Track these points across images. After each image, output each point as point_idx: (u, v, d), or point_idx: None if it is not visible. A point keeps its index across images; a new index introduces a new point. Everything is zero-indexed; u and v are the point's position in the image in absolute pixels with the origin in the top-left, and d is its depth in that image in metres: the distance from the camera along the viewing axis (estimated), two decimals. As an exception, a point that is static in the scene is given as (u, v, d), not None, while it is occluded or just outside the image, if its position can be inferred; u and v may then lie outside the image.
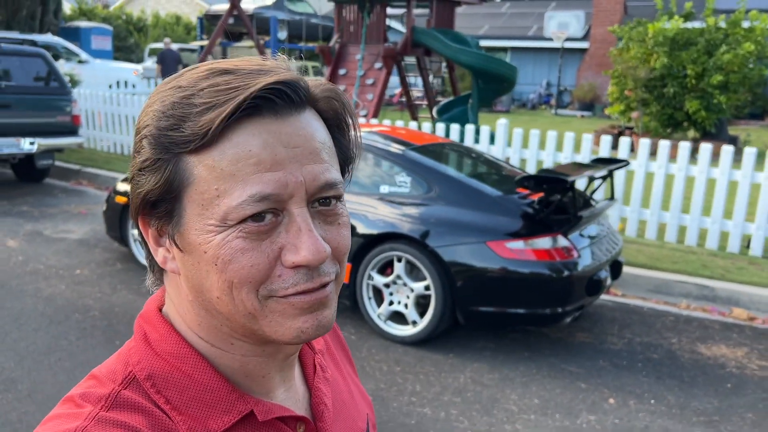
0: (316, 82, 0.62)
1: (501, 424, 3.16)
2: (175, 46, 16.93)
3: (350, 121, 0.64)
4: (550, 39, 18.81)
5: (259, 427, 0.62)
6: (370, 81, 10.36)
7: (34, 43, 13.50)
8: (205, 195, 0.56)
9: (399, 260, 3.97)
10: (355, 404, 0.78)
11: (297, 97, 0.57)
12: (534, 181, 3.74)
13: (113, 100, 9.98)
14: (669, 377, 3.73)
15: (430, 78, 14.05)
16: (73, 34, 18.02)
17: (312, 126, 0.59)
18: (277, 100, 0.56)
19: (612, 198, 4.53)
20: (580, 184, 5.38)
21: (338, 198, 0.61)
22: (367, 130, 4.79)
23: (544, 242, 3.80)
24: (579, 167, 4.16)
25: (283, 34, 18.59)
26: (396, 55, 10.29)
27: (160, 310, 0.65)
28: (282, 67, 0.58)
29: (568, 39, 18.47)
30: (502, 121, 6.61)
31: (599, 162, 4.69)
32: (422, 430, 3.08)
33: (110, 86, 14.43)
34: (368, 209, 4.12)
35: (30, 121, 7.65)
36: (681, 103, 10.85)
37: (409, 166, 4.21)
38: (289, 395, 0.67)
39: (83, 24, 18.25)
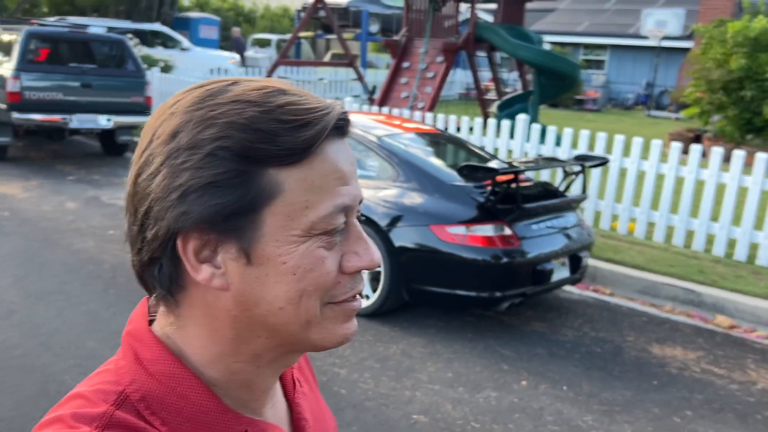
0: None
1: (403, 390, 3.43)
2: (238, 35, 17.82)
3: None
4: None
5: None
6: (430, 74, 10.61)
7: (141, 32, 14.80)
8: (293, 207, 0.58)
9: (356, 238, 4.29)
10: (326, 421, 0.79)
11: (348, 123, 0.63)
12: (468, 170, 3.93)
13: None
14: (598, 369, 3.82)
15: (507, 73, 14.03)
16: (183, 24, 19.53)
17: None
18: (344, 123, 0.62)
19: (584, 193, 4.60)
20: (539, 176, 5.33)
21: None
22: (358, 115, 5.13)
23: (485, 229, 3.99)
24: (536, 162, 4.29)
25: (375, 28, 19.13)
26: (457, 50, 10.46)
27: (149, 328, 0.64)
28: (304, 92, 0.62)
29: (668, 38, 17.65)
30: (521, 117, 6.69)
31: (580, 159, 4.76)
32: (328, 386, 3.42)
33: (210, 72, 15.56)
34: (338, 190, 4.47)
35: (107, 100, 8.60)
36: (760, 107, 10.23)
37: (380, 152, 4.51)
38: (274, 411, 0.69)
39: (193, 15, 19.71)
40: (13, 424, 2.94)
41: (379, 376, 3.55)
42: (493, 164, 4.08)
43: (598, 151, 6.30)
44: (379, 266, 3.96)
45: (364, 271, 0.62)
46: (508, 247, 3.99)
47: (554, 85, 10.33)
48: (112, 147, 9.45)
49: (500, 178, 4.02)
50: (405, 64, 11.10)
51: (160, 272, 0.60)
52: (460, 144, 5.11)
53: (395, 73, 11.11)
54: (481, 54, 12.42)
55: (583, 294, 5.10)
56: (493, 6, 13.26)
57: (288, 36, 20.99)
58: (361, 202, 0.63)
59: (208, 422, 0.60)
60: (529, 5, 12.65)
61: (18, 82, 7.87)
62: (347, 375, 3.55)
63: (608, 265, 5.41)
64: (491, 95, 13.48)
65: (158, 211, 0.58)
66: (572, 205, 4.56)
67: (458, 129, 7.30)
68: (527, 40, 10.44)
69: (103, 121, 8.55)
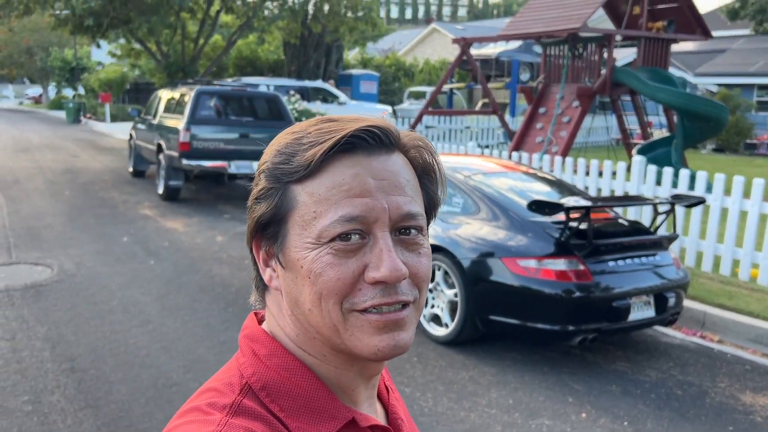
0: (408, 133, 0.72)
1: (459, 410, 3.62)
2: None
3: (438, 169, 0.74)
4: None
5: None
6: (566, 119, 10.61)
7: (304, 88, 16.33)
8: (305, 217, 0.66)
9: (438, 269, 4.57)
10: (413, 424, 0.84)
11: (387, 140, 0.67)
12: (536, 205, 4.07)
13: None
14: (671, 410, 3.71)
15: (655, 117, 13.49)
16: (346, 80, 21.15)
17: (398, 165, 0.68)
18: (369, 140, 0.66)
19: (674, 232, 4.50)
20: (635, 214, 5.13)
21: (419, 229, 0.69)
22: (456, 157, 5.45)
23: (557, 263, 4.09)
24: (617, 199, 4.31)
25: (525, 76, 19.30)
26: (593, 94, 10.39)
27: (261, 327, 0.73)
28: (380, 119, 0.69)
29: None
30: (637, 158, 6.58)
31: (675, 198, 4.68)
32: (390, 401, 3.70)
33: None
34: (426, 224, 4.81)
35: (261, 148, 9.62)
36: None
37: (465, 189, 4.79)
38: (371, 410, 0.75)
39: (355, 72, 21.28)
40: (123, 406, 3.57)
41: (440, 397, 3.77)
42: (570, 201, 4.18)
43: (735, 195, 5.94)
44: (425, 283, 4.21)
45: (405, 283, 0.66)
46: (580, 281, 4.04)
47: (698, 128, 9.85)
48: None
49: (573, 214, 4.11)
50: (541, 110, 11.20)
51: (257, 275, 0.74)
52: (551, 182, 5.22)
53: (531, 118, 11.25)
54: (626, 98, 12.14)
55: (685, 339, 4.89)
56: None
57: (444, 87, 21.83)
58: (408, 218, 0.67)
59: (320, 408, 0.67)
60: (698, 46, 12.18)
61: (188, 134, 9.20)
62: (410, 393, 3.81)
63: (720, 311, 5.14)
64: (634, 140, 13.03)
65: (249, 218, 0.72)
66: (661, 243, 4.47)
67: (600, 174, 7.23)
68: (668, 83, 10.10)
69: (256, 167, 9.64)
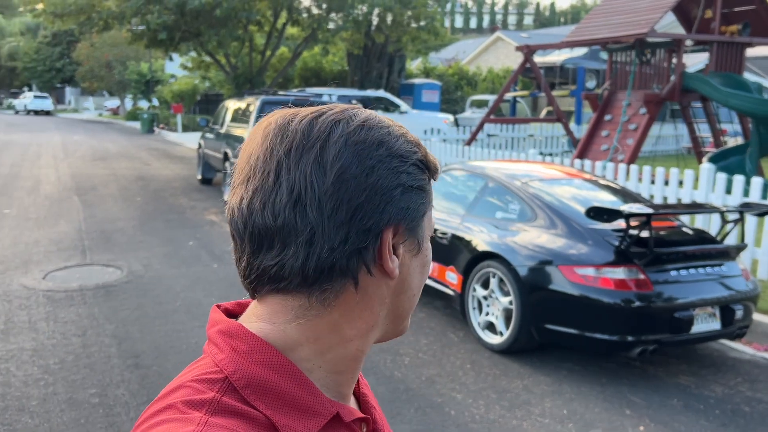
0: None
1: (511, 419, 3.57)
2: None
3: None
4: None
5: (341, 428, 0.67)
6: (632, 126, 10.32)
7: (366, 98, 16.51)
8: (431, 210, 0.72)
9: (494, 276, 4.53)
10: (381, 412, 0.83)
11: None
12: (594, 212, 3.98)
13: None
14: (736, 427, 3.55)
15: (730, 125, 12.94)
16: (408, 90, 21.24)
17: None
18: None
19: (742, 242, 4.31)
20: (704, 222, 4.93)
21: None
22: (508, 163, 5.39)
23: (616, 272, 3.98)
24: (681, 207, 4.17)
25: (592, 83, 18.90)
26: (661, 101, 10.08)
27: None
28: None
29: None
30: (705, 166, 6.33)
31: (744, 206, 4.49)
32: (440, 406, 3.69)
33: (424, 132, 16.74)
34: (482, 230, 4.77)
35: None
36: None
37: (522, 196, 4.73)
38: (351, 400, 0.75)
39: (417, 81, 21.34)
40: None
41: (493, 405, 3.73)
42: (629, 207, 4.07)
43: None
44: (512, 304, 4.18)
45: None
46: (640, 291, 3.93)
47: (776, 135, 9.39)
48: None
49: (634, 221, 4.00)
50: (606, 117, 10.94)
51: (350, 262, 0.64)
52: (612, 189, 5.10)
53: (596, 126, 11.00)
54: (698, 105, 11.72)
55: (756, 354, 4.66)
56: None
57: (507, 96, 21.62)
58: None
59: (303, 405, 0.65)
60: None
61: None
62: (462, 399, 3.78)
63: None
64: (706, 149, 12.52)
65: (378, 204, 0.64)
66: (729, 253, 4.29)
67: (666, 182, 7.03)
68: (743, 88, 9.69)
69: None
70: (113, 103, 45.83)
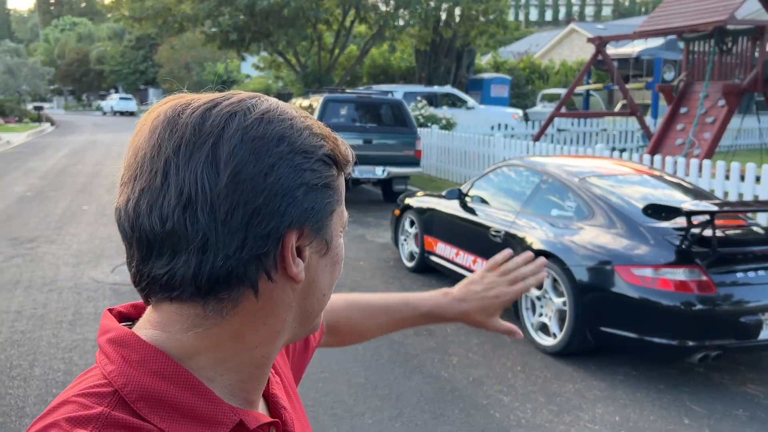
0: None
1: (558, 424, 3.44)
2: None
3: None
4: None
5: None
6: (710, 119, 9.79)
7: (434, 94, 16.41)
8: (342, 206, 0.67)
9: (547, 276, 4.38)
10: (299, 404, 0.82)
11: None
12: (652, 209, 3.76)
13: (483, 141, 11.61)
14: (807, 442, 3.29)
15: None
16: (477, 85, 20.98)
17: None
18: None
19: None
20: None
21: None
22: (563, 158, 5.21)
23: (676, 273, 3.77)
24: (749, 204, 3.90)
25: (670, 75, 18.08)
26: (741, 92, 9.50)
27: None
28: None
29: None
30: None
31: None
32: (486, 408, 3.60)
33: (491, 128, 16.49)
34: (537, 228, 4.63)
35: (384, 153, 9.87)
36: None
37: (579, 192, 4.56)
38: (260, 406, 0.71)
39: (486, 75, 21.04)
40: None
41: (540, 409, 3.61)
42: (690, 205, 3.84)
43: None
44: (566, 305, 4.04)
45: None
46: (702, 293, 3.70)
47: None
48: (390, 194, 10.71)
49: (696, 219, 3.77)
50: (682, 110, 10.42)
51: (247, 270, 0.59)
52: (679, 186, 4.83)
53: (671, 119, 10.49)
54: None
55: (837, 364, 4.32)
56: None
57: (579, 89, 21.00)
58: None
59: (203, 416, 0.60)
60: None
61: (315, 140, 9.56)
62: (508, 402, 3.68)
63: None
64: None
65: (278, 207, 0.59)
66: (804, 255, 3.98)
67: (742, 178, 6.64)
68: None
69: (379, 172, 9.83)
70: (192, 103, 47.38)
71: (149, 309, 0.65)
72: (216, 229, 0.57)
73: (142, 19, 17.53)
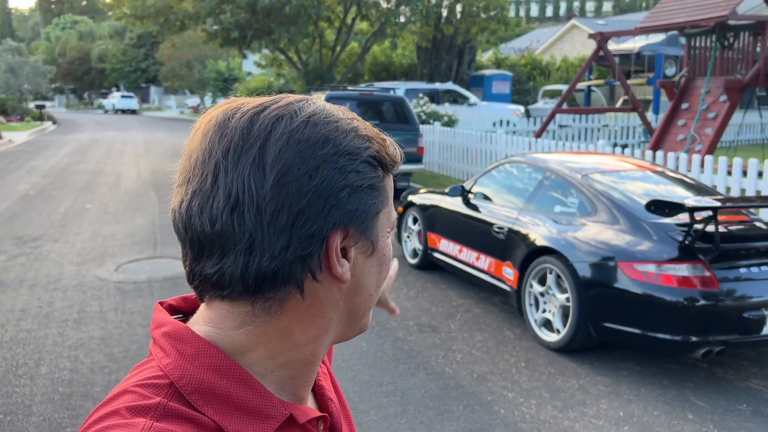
0: None
1: (563, 420, 3.45)
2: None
3: None
4: None
5: (296, 429, 0.65)
6: (711, 115, 9.78)
7: (435, 91, 16.39)
8: (389, 207, 0.68)
9: (550, 272, 4.40)
10: (342, 398, 0.83)
11: None
12: (655, 206, 3.77)
13: (485, 138, 11.66)
14: (810, 437, 3.30)
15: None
16: (478, 81, 20.96)
17: None
18: None
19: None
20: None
21: None
22: (574, 157, 5.22)
23: (679, 269, 3.78)
24: (751, 200, 3.91)
25: (671, 71, 18.05)
26: (743, 87, 9.50)
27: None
28: None
29: None
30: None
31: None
32: (490, 404, 3.61)
33: (493, 124, 16.47)
34: (540, 225, 4.64)
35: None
36: None
37: (581, 188, 4.57)
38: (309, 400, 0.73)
39: (487, 72, 21.02)
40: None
41: (545, 405, 3.62)
42: (693, 200, 3.85)
43: None
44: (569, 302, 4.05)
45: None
46: (705, 289, 3.71)
47: None
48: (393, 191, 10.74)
49: (698, 215, 3.78)
50: (684, 105, 10.42)
51: (292, 270, 0.60)
52: (681, 182, 4.84)
53: (672, 114, 10.49)
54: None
55: (840, 358, 4.33)
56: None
57: (581, 85, 20.97)
58: None
59: (255, 409, 0.62)
60: None
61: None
62: (513, 398, 3.69)
63: None
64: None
65: (322, 208, 0.60)
66: (807, 250, 3.99)
67: (744, 173, 6.65)
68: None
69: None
70: (194, 101, 47.57)
71: (203, 306, 0.67)
72: (262, 230, 0.59)
73: (143, 17, 17.54)
